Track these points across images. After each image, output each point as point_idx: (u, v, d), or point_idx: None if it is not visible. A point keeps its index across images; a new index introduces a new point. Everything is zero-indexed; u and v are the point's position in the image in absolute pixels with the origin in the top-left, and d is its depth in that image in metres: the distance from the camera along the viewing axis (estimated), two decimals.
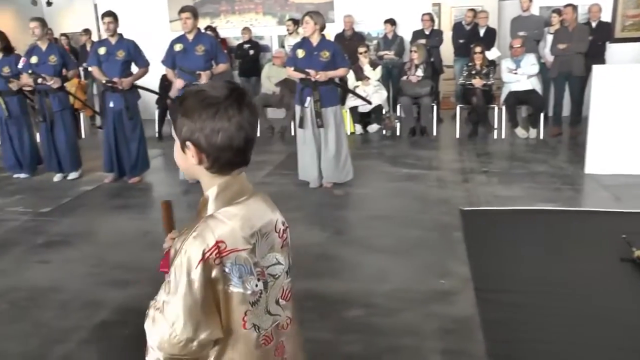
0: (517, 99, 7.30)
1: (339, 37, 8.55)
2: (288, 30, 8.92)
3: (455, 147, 7.11)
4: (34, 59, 5.83)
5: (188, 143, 1.19)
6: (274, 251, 1.27)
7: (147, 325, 1.20)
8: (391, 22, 8.64)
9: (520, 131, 7.29)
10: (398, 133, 7.70)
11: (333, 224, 4.39)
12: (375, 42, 9.02)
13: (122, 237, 4.38)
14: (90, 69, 6.57)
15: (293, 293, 1.33)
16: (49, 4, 10.29)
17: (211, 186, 1.23)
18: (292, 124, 6.98)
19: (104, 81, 5.77)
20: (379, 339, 2.70)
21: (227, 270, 1.16)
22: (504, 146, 7.04)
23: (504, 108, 7.35)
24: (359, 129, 7.95)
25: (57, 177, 6.14)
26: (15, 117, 6.29)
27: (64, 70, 6.02)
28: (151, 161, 6.22)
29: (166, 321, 1.15)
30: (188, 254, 1.14)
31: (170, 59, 5.51)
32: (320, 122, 5.11)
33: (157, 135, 8.22)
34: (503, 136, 7.33)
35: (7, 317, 3.18)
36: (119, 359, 2.73)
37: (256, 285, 1.21)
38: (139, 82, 5.88)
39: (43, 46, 5.86)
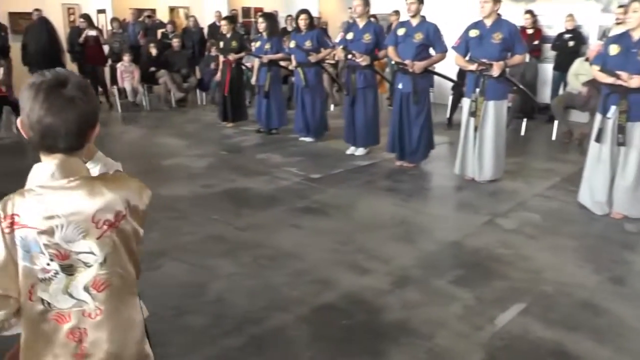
0: None
1: None
2: (617, 20, 7.67)
3: None
4: (349, 35, 6.15)
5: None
6: (88, 240, 1.30)
7: None
8: None
9: None
10: None
11: (611, 268, 3.61)
12: None
13: (378, 220, 4.37)
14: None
15: (110, 286, 1.35)
16: None
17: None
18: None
19: (395, 61, 5.78)
20: None
21: (17, 242, 1.27)
22: None
23: None
24: None
25: (350, 150, 6.41)
26: (311, 87, 6.88)
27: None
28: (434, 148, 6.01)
29: None
30: None
31: (464, 45, 5.16)
32: (622, 138, 4.23)
33: (447, 121, 7.93)
34: None
35: (246, 273, 3.44)
36: (330, 348, 2.67)
37: (48, 264, 1.29)
38: (435, 68, 5.73)
39: (361, 24, 6.10)
